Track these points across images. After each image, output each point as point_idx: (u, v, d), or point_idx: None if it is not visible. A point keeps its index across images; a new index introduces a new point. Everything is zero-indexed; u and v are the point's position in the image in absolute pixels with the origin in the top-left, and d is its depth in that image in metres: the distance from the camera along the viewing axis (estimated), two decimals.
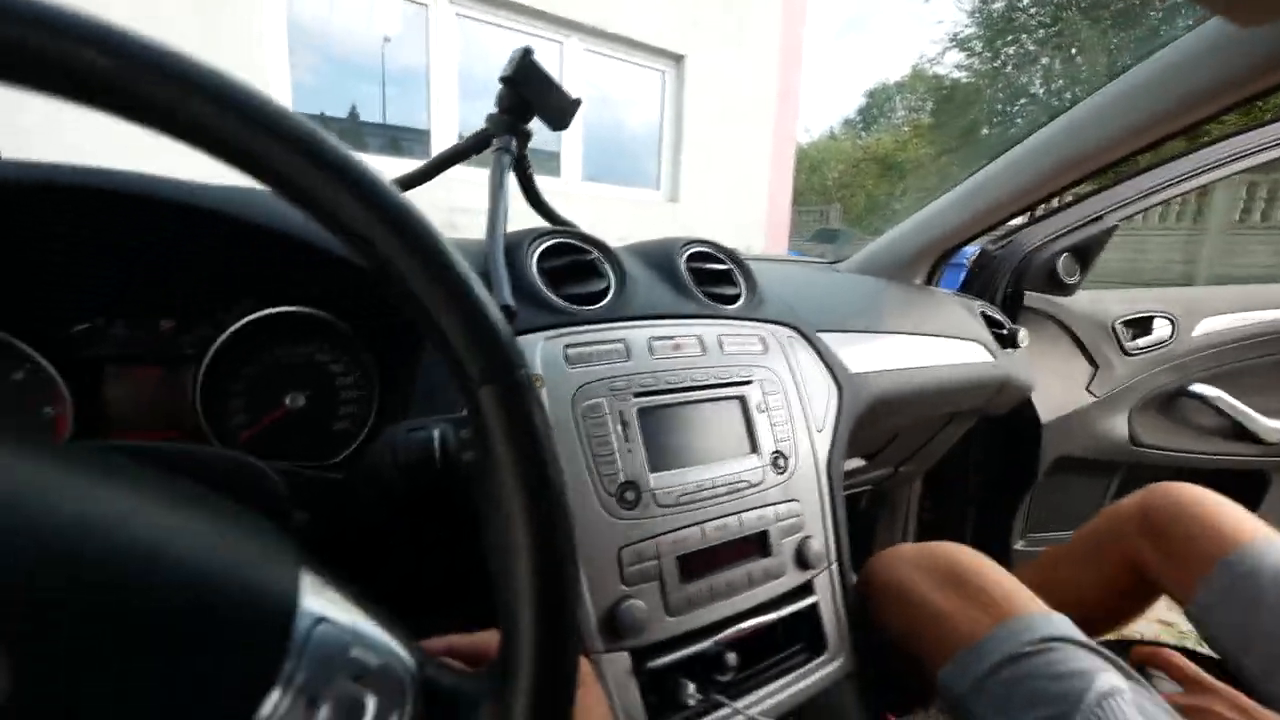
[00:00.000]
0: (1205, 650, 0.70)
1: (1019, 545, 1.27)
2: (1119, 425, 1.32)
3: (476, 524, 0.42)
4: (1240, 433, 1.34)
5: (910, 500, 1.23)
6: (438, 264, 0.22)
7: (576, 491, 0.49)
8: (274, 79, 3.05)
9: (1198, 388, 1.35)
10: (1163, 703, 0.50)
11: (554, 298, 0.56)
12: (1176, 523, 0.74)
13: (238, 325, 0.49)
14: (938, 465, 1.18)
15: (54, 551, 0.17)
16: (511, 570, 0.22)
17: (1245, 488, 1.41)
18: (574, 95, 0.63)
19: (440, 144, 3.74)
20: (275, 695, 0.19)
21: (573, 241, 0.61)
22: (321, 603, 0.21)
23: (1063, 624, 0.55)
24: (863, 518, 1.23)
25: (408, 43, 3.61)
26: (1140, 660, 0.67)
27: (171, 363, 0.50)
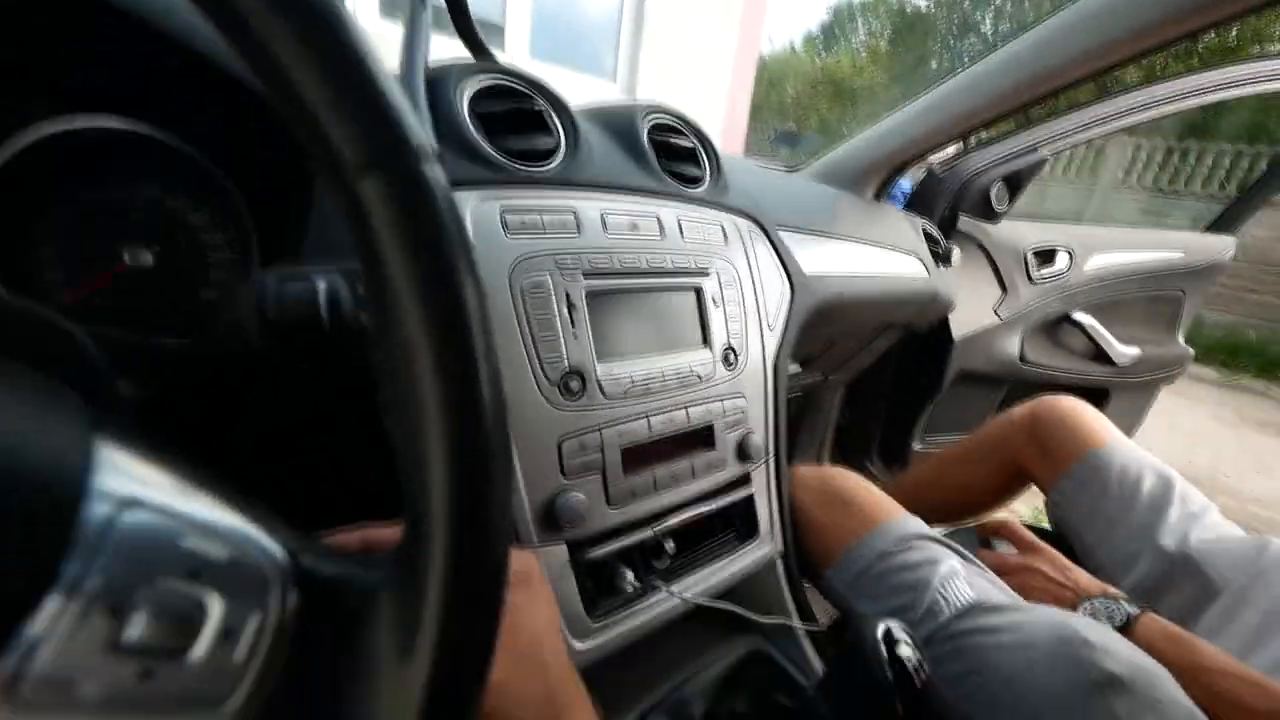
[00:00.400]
0: (1043, 527, 0.85)
1: (917, 446, 1.39)
2: (1013, 344, 1.45)
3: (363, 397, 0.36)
4: (1099, 355, 1.53)
5: (832, 407, 1.30)
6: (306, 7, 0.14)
7: (513, 378, 0.43)
8: None
9: (1078, 315, 1.50)
10: (993, 578, 0.62)
11: (490, 149, 0.46)
12: (1056, 428, 0.87)
13: (27, 143, 0.36)
14: (859, 375, 1.24)
15: None
16: (417, 430, 0.16)
17: (1092, 400, 1.62)
18: None
19: (361, 10, 3.11)
20: (52, 606, 0.13)
21: (516, 84, 0.50)
22: (132, 483, 0.16)
23: (917, 525, 0.66)
24: (789, 422, 1.29)
25: None
26: (986, 533, 0.79)
27: None
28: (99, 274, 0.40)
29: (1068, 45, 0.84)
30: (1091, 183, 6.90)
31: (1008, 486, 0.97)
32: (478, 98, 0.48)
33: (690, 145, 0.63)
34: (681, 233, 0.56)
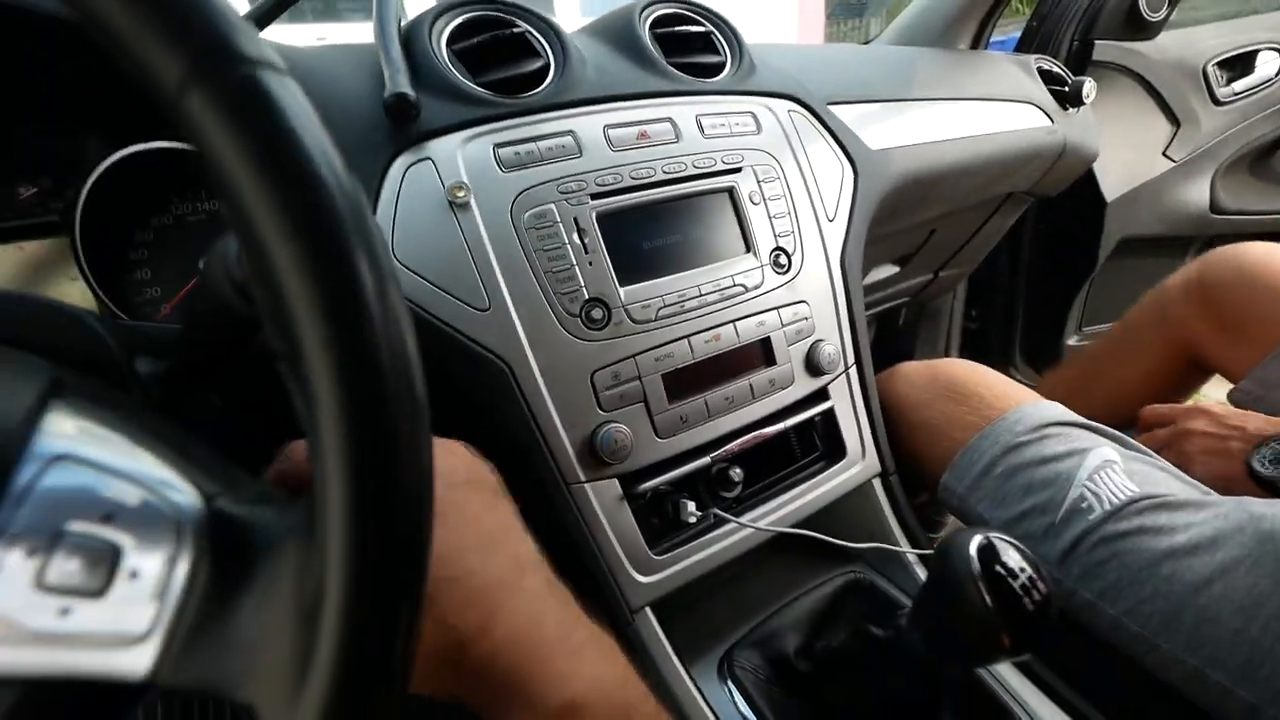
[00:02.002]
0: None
1: (1073, 340, 1.17)
2: (1199, 193, 1.14)
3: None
4: None
5: (954, 309, 1.13)
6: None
7: (530, 315, 0.42)
8: None
9: None
10: (1166, 467, 0.49)
11: (472, 85, 0.44)
12: (1238, 288, 0.64)
13: (100, 171, 0.41)
14: (983, 267, 1.06)
15: None
16: (312, 363, 0.15)
17: None
18: None
19: None
20: None
21: (491, 12, 0.47)
22: (68, 441, 0.16)
23: (1054, 409, 0.53)
24: (900, 335, 1.14)
25: None
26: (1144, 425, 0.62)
27: (47, 234, 0.43)
28: (184, 288, 0.45)
29: None
30: None
31: (1178, 382, 0.75)
32: (455, 35, 0.46)
33: (704, 30, 0.56)
34: (702, 131, 0.50)
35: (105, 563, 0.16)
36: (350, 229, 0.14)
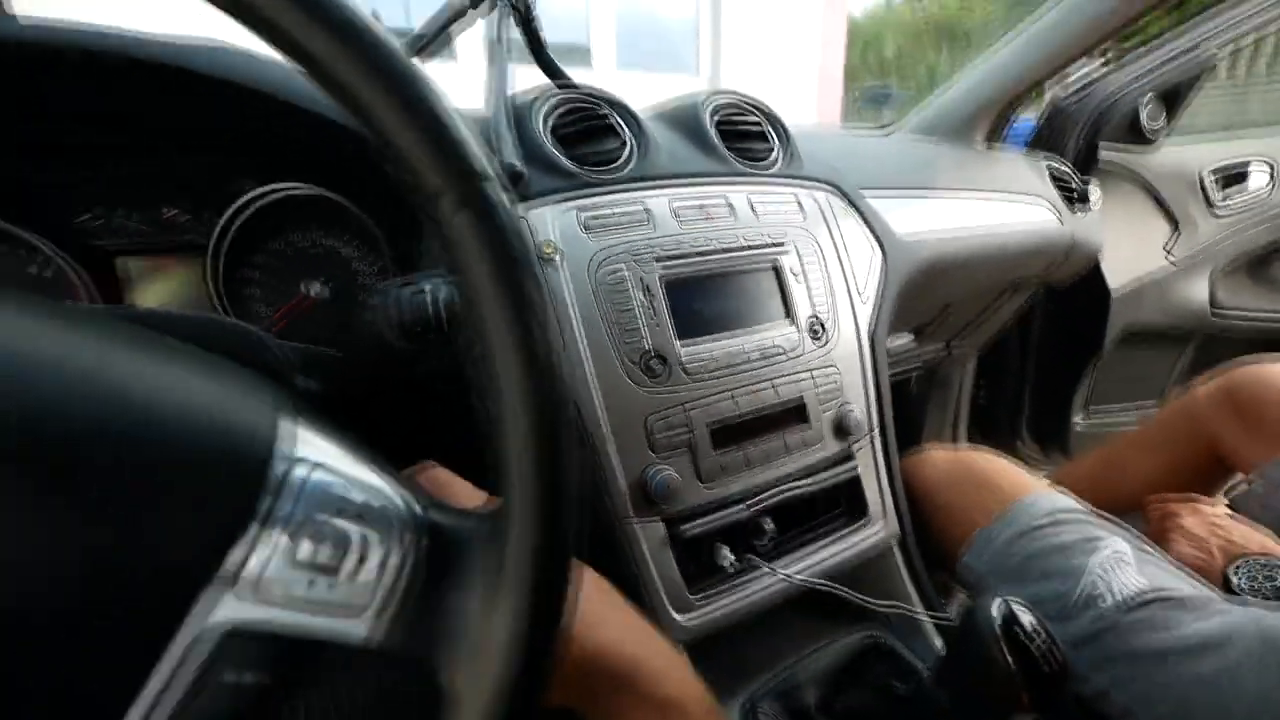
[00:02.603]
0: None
1: (1079, 420, 1.21)
2: (1198, 291, 1.20)
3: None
4: None
5: (963, 381, 1.18)
6: (375, 50, 0.18)
7: (599, 361, 0.46)
8: None
9: None
10: (1172, 567, 0.51)
11: (566, 161, 0.51)
12: (1261, 401, 0.69)
13: (240, 203, 0.47)
14: (993, 342, 1.11)
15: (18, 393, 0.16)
16: (494, 408, 0.20)
17: None
18: None
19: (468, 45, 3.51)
20: (253, 529, 0.18)
21: (585, 100, 0.55)
22: (308, 448, 0.21)
23: (1067, 499, 0.57)
24: (913, 401, 1.19)
25: None
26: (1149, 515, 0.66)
27: (182, 252, 0.49)
28: (290, 305, 0.51)
29: None
30: None
31: (1205, 476, 0.79)
32: (555, 117, 0.53)
33: (757, 123, 0.63)
34: (753, 210, 0.57)
35: (341, 549, 0.20)
36: (551, 329, 0.20)
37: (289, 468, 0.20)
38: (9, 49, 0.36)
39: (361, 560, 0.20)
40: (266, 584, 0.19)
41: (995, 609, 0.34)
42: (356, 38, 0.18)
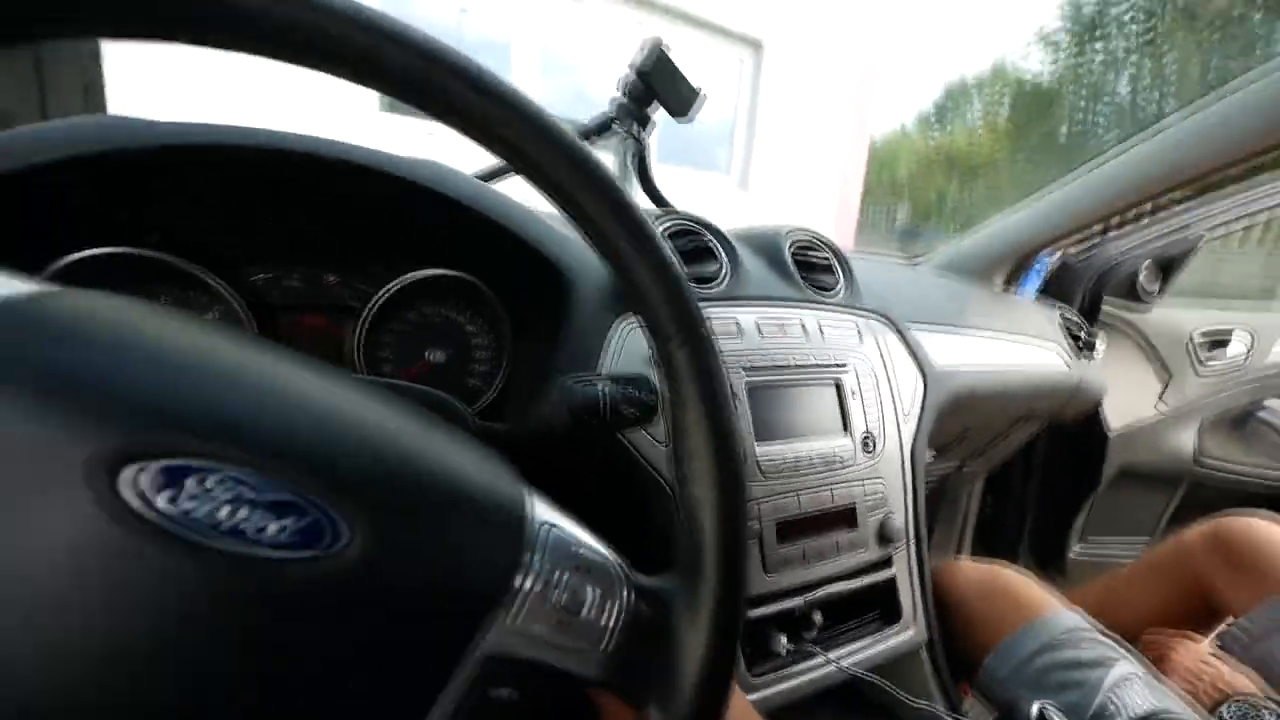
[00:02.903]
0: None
1: (1075, 548, 1.27)
2: (1186, 440, 1.31)
3: (624, 466, 0.48)
4: None
5: (971, 498, 1.25)
6: (642, 229, 0.27)
7: None
8: None
9: (1273, 406, 1.32)
10: (1171, 685, 0.58)
11: None
12: (1249, 552, 0.78)
13: (400, 283, 0.55)
14: (1000, 467, 1.20)
15: (389, 461, 0.22)
16: (698, 490, 0.27)
17: None
18: (699, 88, 0.67)
19: None
20: (520, 576, 0.24)
21: (691, 225, 0.65)
22: (547, 513, 0.27)
23: (1079, 617, 0.65)
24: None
25: (484, 14, 3.60)
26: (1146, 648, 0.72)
27: (335, 313, 0.57)
28: (412, 367, 0.58)
29: (1210, 138, 0.84)
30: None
31: (1194, 615, 0.86)
32: (668, 237, 0.63)
33: (826, 258, 0.74)
34: (822, 333, 0.66)
35: (577, 598, 0.26)
36: (738, 441, 0.28)
37: (538, 528, 0.26)
38: (267, 155, 0.45)
39: (592, 608, 0.26)
40: (524, 620, 0.24)
41: (1034, 709, 0.40)
42: (628, 212, 0.26)
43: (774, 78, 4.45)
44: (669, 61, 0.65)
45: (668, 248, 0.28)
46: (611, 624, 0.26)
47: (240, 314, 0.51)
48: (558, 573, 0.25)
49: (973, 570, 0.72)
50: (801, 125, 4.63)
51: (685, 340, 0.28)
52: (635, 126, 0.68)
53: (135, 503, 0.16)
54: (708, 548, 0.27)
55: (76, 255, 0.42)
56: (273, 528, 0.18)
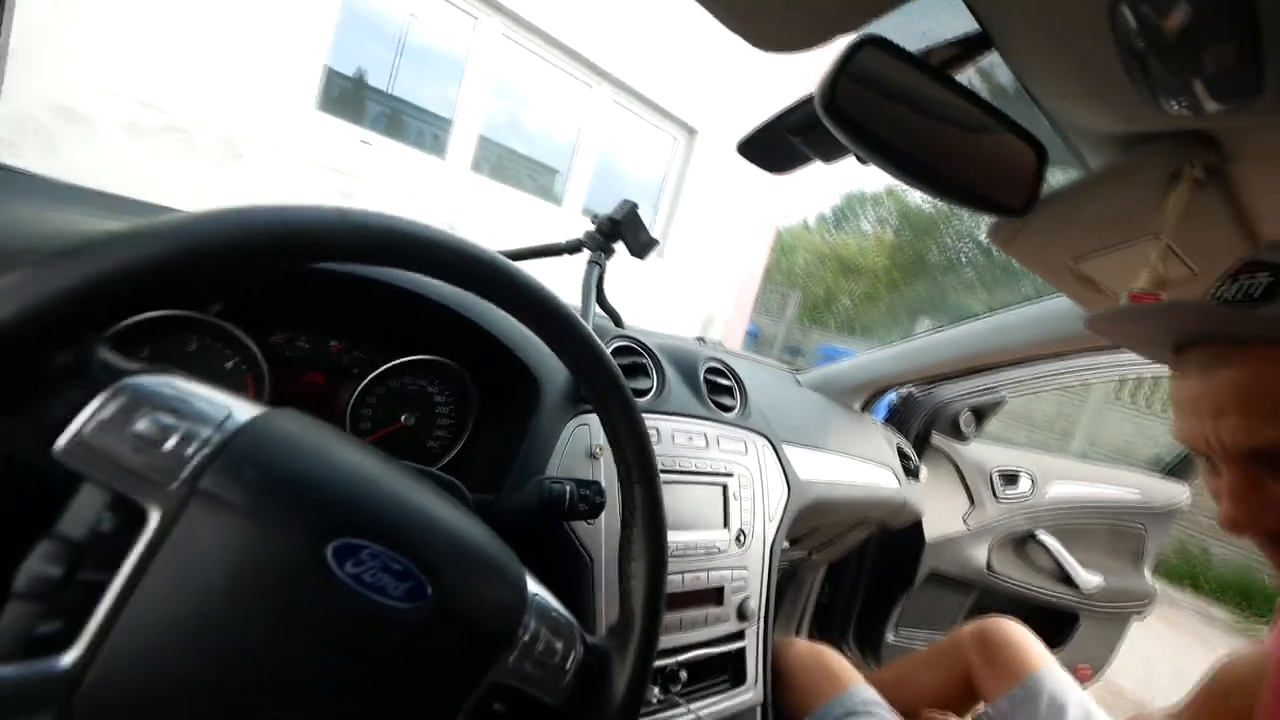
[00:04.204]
0: None
1: (890, 636, 1.54)
2: (980, 553, 1.65)
3: (559, 550, 0.62)
4: (1065, 577, 1.70)
5: (814, 583, 1.49)
6: (629, 409, 0.43)
7: (608, 533, 0.68)
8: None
9: (1041, 535, 1.70)
10: None
11: None
12: (1001, 648, 1.04)
13: (402, 360, 0.67)
14: (840, 559, 1.45)
15: (453, 543, 0.35)
16: (635, 582, 0.43)
17: (1062, 623, 1.76)
18: (654, 238, 0.86)
19: (462, 137, 3.87)
20: (522, 629, 0.36)
21: (634, 345, 0.82)
22: (534, 585, 0.40)
23: (873, 693, 0.87)
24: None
25: (432, 26, 3.63)
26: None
27: (332, 374, 0.66)
28: (389, 428, 0.68)
29: (1029, 331, 1.16)
30: (1084, 394, 7.32)
31: (961, 697, 1.11)
32: (613, 354, 0.79)
33: (730, 384, 0.94)
34: (718, 445, 0.84)
35: (550, 649, 0.39)
36: (665, 563, 0.44)
37: (531, 595, 0.39)
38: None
39: (559, 656, 0.39)
40: (519, 659, 0.37)
41: None
42: (618, 387, 0.42)
43: (702, 161, 4.94)
44: (637, 217, 0.84)
45: (638, 410, 0.44)
46: (569, 667, 0.39)
47: (262, 366, 0.59)
48: (541, 629, 0.38)
49: (803, 647, 0.92)
50: (719, 208, 5.14)
51: (643, 480, 0.43)
52: (602, 256, 0.85)
53: (333, 564, 0.28)
54: (637, 622, 0.42)
55: (152, 314, 0.50)
56: (400, 587, 0.30)
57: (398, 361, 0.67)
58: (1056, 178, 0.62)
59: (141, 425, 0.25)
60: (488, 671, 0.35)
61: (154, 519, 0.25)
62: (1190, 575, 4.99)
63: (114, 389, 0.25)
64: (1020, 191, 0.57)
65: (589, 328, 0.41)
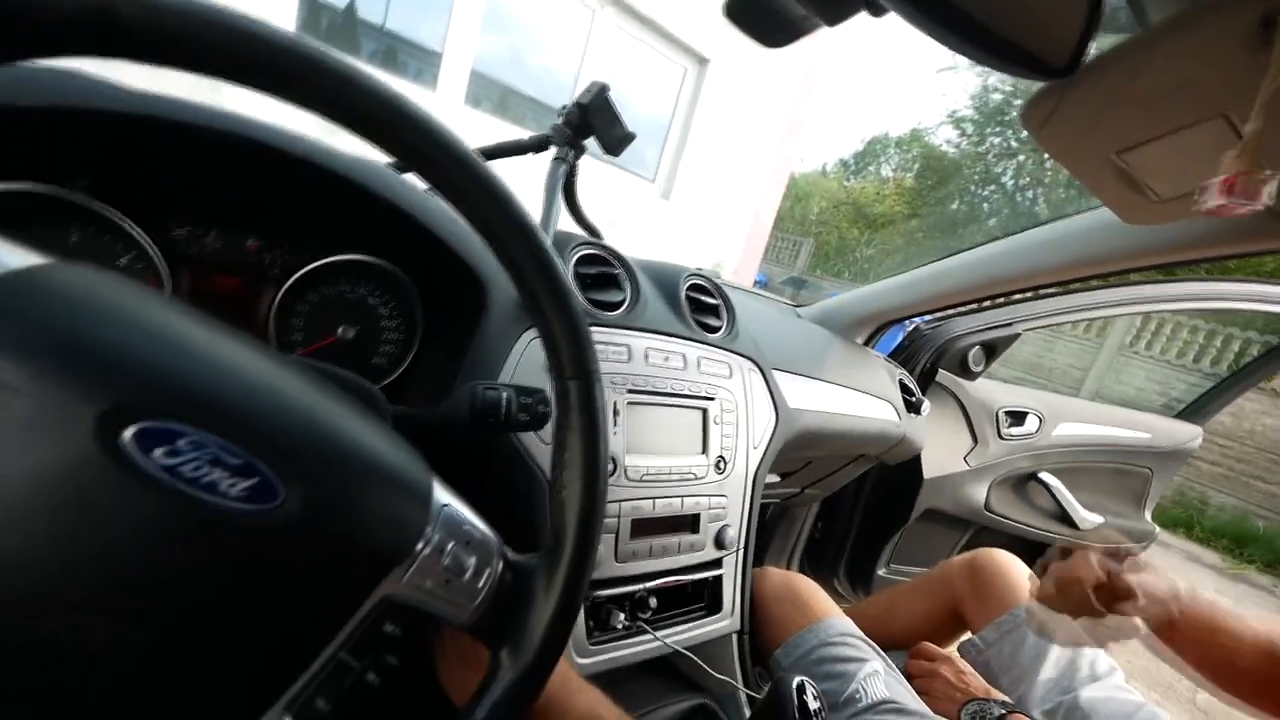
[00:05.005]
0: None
1: (882, 571, 1.52)
2: (980, 492, 1.61)
3: (509, 459, 0.56)
4: (1063, 517, 1.66)
5: (806, 519, 1.45)
6: (557, 285, 0.35)
7: None
8: None
9: (1044, 475, 1.65)
10: (908, 686, 0.76)
11: (582, 300, 0.69)
12: (991, 578, 1.00)
13: (329, 260, 0.59)
14: (834, 495, 1.41)
15: (322, 440, 0.28)
16: (568, 494, 0.36)
17: None
18: (631, 130, 0.76)
19: (452, 71, 3.65)
20: (421, 544, 0.31)
21: (605, 254, 0.74)
22: (444, 495, 0.34)
23: (850, 624, 0.83)
24: (764, 526, 1.44)
25: None
26: (915, 655, 0.93)
27: (250, 277, 0.59)
28: (322, 341, 0.61)
29: (1051, 253, 1.06)
30: (1099, 344, 7.15)
31: (948, 627, 1.09)
32: (580, 262, 0.71)
33: (715, 303, 0.86)
34: (698, 366, 0.77)
35: (459, 564, 0.33)
36: (604, 453, 0.37)
37: (438, 507, 0.34)
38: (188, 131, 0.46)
39: (470, 574, 0.34)
40: (417, 576, 0.32)
41: (794, 683, 0.53)
42: (546, 264, 0.34)
43: (713, 96, 4.64)
44: (609, 102, 0.73)
45: (575, 293, 0.36)
46: (483, 586, 0.34)
47: (157, 264, 0.52)
48: (449, 543, 0.32)
49: (776, 576, 0.88)
50: (731, 146, 4.86)
51: (577, 375, 0.36)
52: (570, 152, 0.75)
53: (135, 455, 0.22)
54: (567, 539, 0.36)
55: (4, 186, 0.43)
56: (236, 486, 0.24)
57: (324, 261, 0.59)
58: (1107, 42, 0.51)
59: None
60: (373, 590, 0.29)
61: None
62: (1185, 521, 5.01)
63: None
64: (1065, 44, 0.47)
65: (504, 183, 0.33)
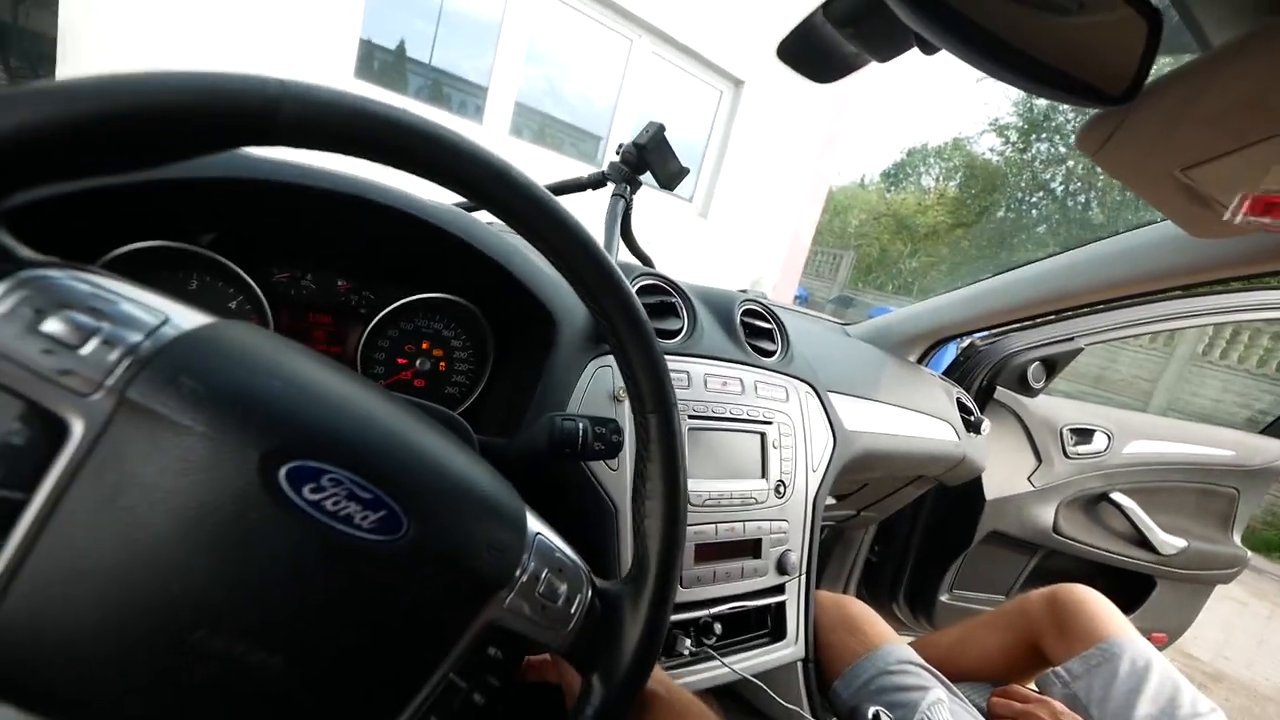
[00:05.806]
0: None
1: (944, 597, 1.47)
2: (1047, 514, 1.53)
3: (581, 488, 0.59)
4: (1141, 540, 1.56)
5: (862, 542, 1.42)
6: (641, 329, 0.37)
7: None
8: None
9: (1116, 496, 1.57)
10: (970, 708, 0.74)
11: None
12: (1074, 612, 0.96)
13: (410, 299, 0.63)
14: (891, 517, 1.37)
15: (439, 477, 0.31)
16: (650, 522, 0.38)
17: (1136, 587, 1.64)
18: (684, 166, 0.78)
19: (497, 103, 3.81)
20: (519, 570, 0.33)
21: (662, 284, 0.76)
22: (536, 524, 0.36)
23: (911, 651, 0.80)
24: (820, 550, 1.41)
25: None
26: (1003, 695, 0.89)
27: (340, 314, 0.64)
28: (402, 373, 0.66)
29: (1114, 267, 1.02)
30: (1167, 353, 6.73)
31: (1025, 661, 1.04)
32: (640, 291, 0.74)
33: (769, 327, 0.87)
34: (756, 391, 0.78)
35: (553, 590, 0.35)
36: (681, 479, 0.38)
37: (532, 535, 0.36)
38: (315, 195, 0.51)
39: (563, 600, 0.36)
40: (516, 601, 0.34)
41: (871, 712, 0.52)
42: (632, 311, 0.36)
43: (749, 116, 4.68)
44: (664, 140, 0.76)
45: (652, 332, 0.38)
46: (574, 612, 0.36)
47: (264, 305, 0.57)
48: (543, 570, 0.34)
49: (828, 600, 0.87)
50: (767, 165, 4.88)
51: (657, 409, 0.38)
52: (626, 188, 0.78)
53: (289, 490, 0.25)
54: (650, 566, 0.38)
55: (139, 245, 0.48)
56: (368, 519, 0.26)
57: (406, 300, 0.63)
58: (1164, 64, 0.51)
59: (52, 325, 0.22)
60: (479, 614, 0.31)
61: (77, 433, 0.22)
62: (1278, 545, 4.61)
63: (15, 280, 0.22)
64: (1123, 72, 0.47)
65: (592, 235, 0.35)
